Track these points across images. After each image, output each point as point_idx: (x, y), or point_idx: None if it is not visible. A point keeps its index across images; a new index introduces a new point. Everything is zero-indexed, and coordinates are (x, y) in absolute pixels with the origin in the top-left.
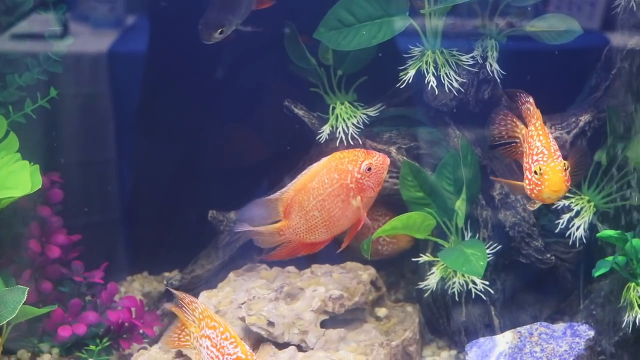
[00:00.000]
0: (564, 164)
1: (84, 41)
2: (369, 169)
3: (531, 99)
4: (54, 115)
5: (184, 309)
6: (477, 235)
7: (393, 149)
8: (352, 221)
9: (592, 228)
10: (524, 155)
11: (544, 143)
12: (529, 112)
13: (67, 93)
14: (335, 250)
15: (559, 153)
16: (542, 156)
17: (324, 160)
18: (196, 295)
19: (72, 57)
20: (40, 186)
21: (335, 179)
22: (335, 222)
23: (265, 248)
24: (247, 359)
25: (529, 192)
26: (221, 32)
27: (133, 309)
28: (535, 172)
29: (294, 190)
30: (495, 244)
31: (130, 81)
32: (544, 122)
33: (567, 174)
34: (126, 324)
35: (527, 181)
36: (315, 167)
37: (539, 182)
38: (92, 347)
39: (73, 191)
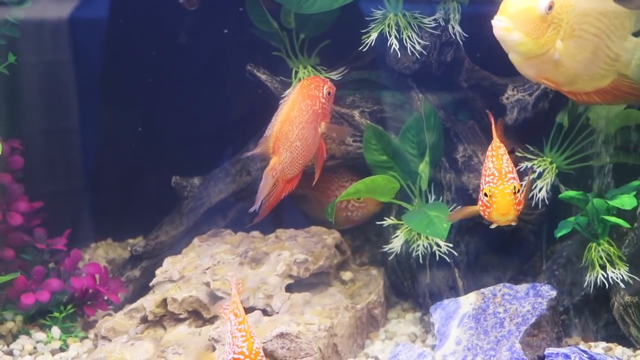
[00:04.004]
0: (514, 187)
1: (44, 7)
2: (329, 93)
3: (492, 120)
4: (15, 82)
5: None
6: (441, 198)
7: (356, 113)
8: (315, 150)
9: (554, 189)
10: (481, 176)
11: (496, 165)
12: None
13: (28, 60)
14: (297, 216)
15: (511, 175)
16: (493, 178)
17: (297, 88)
18: (161, 262)
19: (32, 23)
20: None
21: (309, 105)
22: (309, 151)
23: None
24: (248, 357)
25: (481, 213)
26: None
27: (97, 276)
28: (485, 194)
29: (280, 122)
30: (459, 207)
31: (92, 48)
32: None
33: (519, 196)
34: (90, 291)
35: (479, 202)
36: (292, 96)
37: (489, 205)
38: (56, 314)
39: (36, 159)
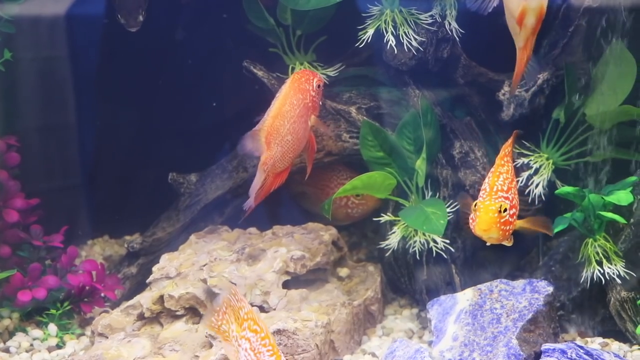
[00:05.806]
0: (501, 205)
1: (40, 3)
2: (319, 86)
3: (512, 139)
4: (11, 79)
5: (231, 303)
6: (438, 194)
7: (353, 109)
8: (305, 143)
9: (551, 185)
10: None
11: (490, 180)
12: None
13: (24, 56)
14: (295, 213)
15: (502, 194)
16: (483, 193)
17: (288, 82)
18: (157, 258)
19: (28, 19)
20: None
21: (300, 99)
22: (299, 144)
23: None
24: None
25: (470, 226)
26: (143, 13)
27: (94, 273)
28: (474, 207)
29: (271, 117)
30: (456, 203)
31: (89, 44)
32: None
33: (505, 216)
34: (87, 288)
35: (471, 214)
36: (283, 90)
37: (474, 218)
38: (52, 311)
39: (32, 156)
